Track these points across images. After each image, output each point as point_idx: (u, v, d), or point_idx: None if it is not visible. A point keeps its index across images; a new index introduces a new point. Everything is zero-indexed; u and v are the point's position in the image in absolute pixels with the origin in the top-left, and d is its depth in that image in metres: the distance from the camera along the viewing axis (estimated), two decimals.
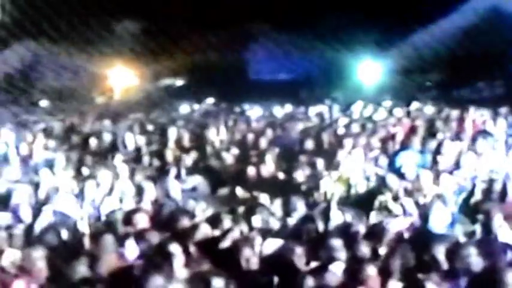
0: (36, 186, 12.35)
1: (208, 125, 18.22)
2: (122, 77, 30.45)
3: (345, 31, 28.96)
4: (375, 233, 9.46)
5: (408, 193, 12.45)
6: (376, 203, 12.00)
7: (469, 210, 11.80)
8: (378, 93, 27.42)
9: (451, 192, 12.39)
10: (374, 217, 11.35)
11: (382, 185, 12.81)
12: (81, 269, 8.18)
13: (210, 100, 29.43)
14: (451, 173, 13.34)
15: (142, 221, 9.94)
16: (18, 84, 28.94)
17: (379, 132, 16.75)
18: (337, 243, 8.86)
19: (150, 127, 18.98)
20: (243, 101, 26.08)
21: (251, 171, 14.57)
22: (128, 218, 10.07)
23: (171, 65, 31.13)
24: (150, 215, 10.52)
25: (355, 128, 17.17)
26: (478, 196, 12.28)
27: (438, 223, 10.83)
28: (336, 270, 8.29)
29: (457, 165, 13.79)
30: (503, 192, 12.18)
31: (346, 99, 24.99)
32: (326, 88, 28.63)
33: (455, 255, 8.23)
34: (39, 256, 8.53)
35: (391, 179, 12.83)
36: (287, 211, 11.02)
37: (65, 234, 9.99)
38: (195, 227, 9.67)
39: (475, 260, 8.12)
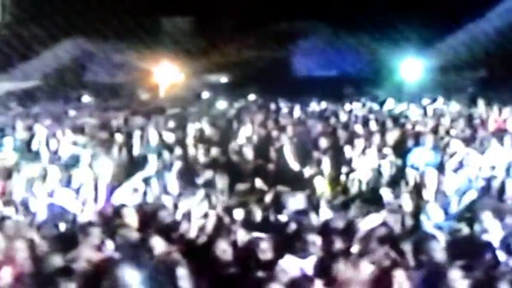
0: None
1: (239, 122, 18.41)
2: (167, 74, 30.73)
3: (388, 29, 29.02)
4: (349, 230, 9.68)
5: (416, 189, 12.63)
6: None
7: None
8: (419, 90, 27.38)
9: (453, 190, 12.49)
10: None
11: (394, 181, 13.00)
12: (57, 260, 8.59)
13: (252, 96, 29.64)
14: (455, 171, 13.40)
15: (130, 215, 10.30)
16: (63, 80, 29.62)
17: (396, 130, 16.78)
18: (312, 238, 9.12)
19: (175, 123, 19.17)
20: (284, 97, 26.17)
21: (268, 167, 14.82)
22: (117, 213, 10.46)
23: (216, 61, 31.49)
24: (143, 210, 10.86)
25: (373, 125, 17.22)
26: (476, 194, 12.32)
27: (430, 221, 10.94)
28: (308, 264, 8.63)
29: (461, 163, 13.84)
30: (502, 190, 12.18)
31: (389, 96, 24.94)
32: (369, 85, 28.64)
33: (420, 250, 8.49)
34: (21, 247, 8.97)
35: (410, 174, 13.03)
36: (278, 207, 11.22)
37: (62, 227, 10.48)
38: (178, 222, 10.08)
39: (439, 255, 8.38)
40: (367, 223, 9.80)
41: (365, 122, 17.93)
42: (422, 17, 28.13)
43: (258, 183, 14.10)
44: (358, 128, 16.91)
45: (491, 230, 9.67)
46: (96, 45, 30.89)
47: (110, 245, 9.37)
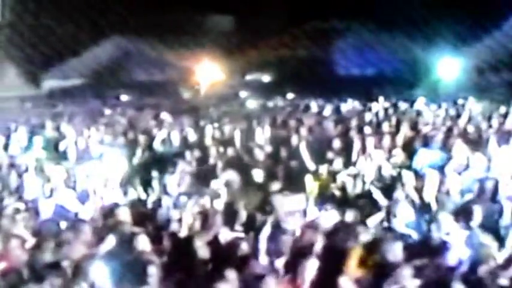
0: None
1: (259, 121, 18.80)
2: (206, 72, 31.15)
3: (424, 28, 29.13)
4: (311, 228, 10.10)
5: (417, 191, 12.92)
6: None
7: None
8: (456, 90, 27.43)
9: (456, 192, 12.75)
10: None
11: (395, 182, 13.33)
12: (47, 256, 9.22)
13: (290, 95, 29.94)
14: (460, 173, 13.62)
15: (123, 214, 10.88)
16: (104, 78, 30.32)
17: (409, 131, 17.01)
18: (286, 238, 9.59)
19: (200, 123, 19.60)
20: (321, 96, 26.48)
21: (279, 167, 15.23)
22: (111, 212, 11.05)
23: (256, 60, 31.86)
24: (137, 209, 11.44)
25: (385, 126, 17.46)
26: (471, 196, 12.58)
27: (401, 222, 11.23)
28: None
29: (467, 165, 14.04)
30: (495, 191, 12.40)
31: (423, 96, 25.11)
32: (404, 85, 28.76)
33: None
34: (16, 245, 9.65)
35: (407, 176, 13.34)
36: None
37: (63, 225, 11.12)
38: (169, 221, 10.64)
39: (394, 255, 8.79)
40: (327, 219, 10.20)
41: (379, 123, 18.09)
42: (459, 16, 28.15)
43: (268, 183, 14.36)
44: (368, 130, 17.06)
45: (450, 231, 9.95)
46: (136, 44, 31.49)
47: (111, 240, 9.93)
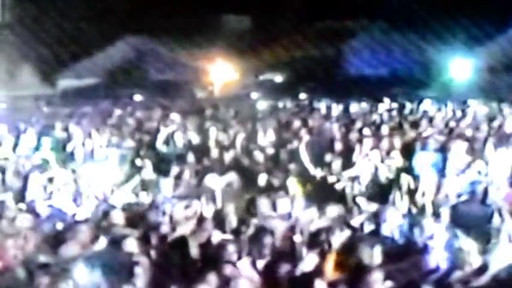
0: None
1: (263, 123, 19.00)
2: (222, 72, 31.32)
3: (436, 29, 29.26)
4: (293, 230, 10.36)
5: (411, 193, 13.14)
6: None
7: None
8: (468, 91, 27.50)
9: (453, 194, 12.95)
10: None
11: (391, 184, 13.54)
12: (42, 256, 9.56)
13: (303, 96, 30.10)
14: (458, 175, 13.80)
15: (117, 217, 11.19)
16: (118, 78, 30.63)
17: (408, 133, 17.17)
18: (267, 240, 9.86)
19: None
20: (333, 96, 26.64)
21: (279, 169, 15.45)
22: (106, 214, 11.37)
23: (269, 60, 32.08)
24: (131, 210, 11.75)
25: (385, 129, 17.62)
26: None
27: (388, 226, 11.42)
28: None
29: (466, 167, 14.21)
30: (485, 195, 12.58)
31: (436, 96, 25.26)
32: (415, 85, 28.86)
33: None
34: (11, 245, 10.00)
35: (404, 179, 13.54)
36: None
37: (59, 226, 11.44)
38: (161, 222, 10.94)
39: (372, 258, 9.04)
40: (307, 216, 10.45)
41: (378, 125, 18.27)
42: (471, 17, 28.26)
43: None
44: (367, 131, 17.22)
45: (433, 234, 10.16)
46: (149, 44, 31.78)
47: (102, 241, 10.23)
